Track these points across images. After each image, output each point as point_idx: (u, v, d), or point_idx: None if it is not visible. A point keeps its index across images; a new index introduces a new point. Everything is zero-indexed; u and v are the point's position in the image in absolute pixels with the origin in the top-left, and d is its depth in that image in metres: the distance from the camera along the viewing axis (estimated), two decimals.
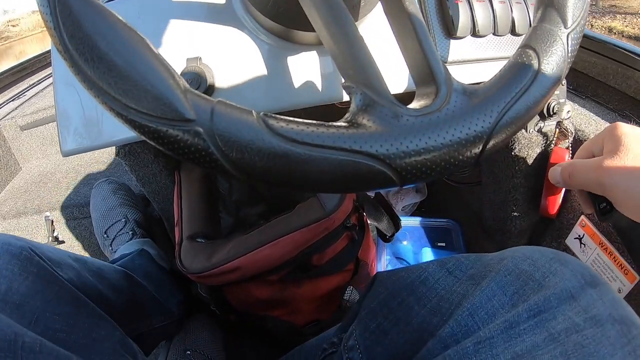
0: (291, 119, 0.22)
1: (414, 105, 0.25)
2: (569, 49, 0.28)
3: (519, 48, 0.28)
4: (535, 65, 0.26)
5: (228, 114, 0.21)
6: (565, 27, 0.28)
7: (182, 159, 0.21)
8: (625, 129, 0.37)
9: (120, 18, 0.22)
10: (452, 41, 0.43)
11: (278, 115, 0.22)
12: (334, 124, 0.22)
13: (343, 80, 0.25)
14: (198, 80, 0.39)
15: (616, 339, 0.24)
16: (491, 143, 0.24)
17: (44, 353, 0.30)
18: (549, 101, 0.49)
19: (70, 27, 0.20)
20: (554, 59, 0.27)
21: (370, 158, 0.21)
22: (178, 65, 0.41)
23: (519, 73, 0.26)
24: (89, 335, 0.39)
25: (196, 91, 0.22)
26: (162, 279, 0.65)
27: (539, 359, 0.24)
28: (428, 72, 0.26)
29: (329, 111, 0.52)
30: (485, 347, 0.26)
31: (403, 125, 0.22)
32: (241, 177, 0.21)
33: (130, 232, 0.74)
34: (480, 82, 0.27)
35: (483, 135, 0.24)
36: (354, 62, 0.24)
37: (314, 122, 0.22)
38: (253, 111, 0.22)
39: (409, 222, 0.85)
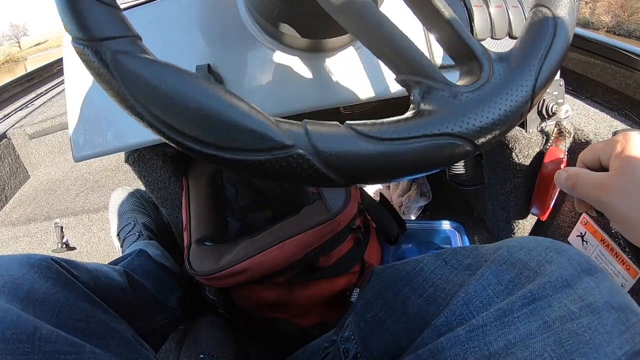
0: (369, 121, 0.24)
1: (463, 82, 0.27)
2: None
3: (530, 10, 0.29)
4: (551, 19, 0.28)
5: (320, 131, 0.22)
6: None
7: (289, 182, 0.23)
8: (636, 142, 0.36)
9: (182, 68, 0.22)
10: None
11: (358, 121, 0.24)
12: (406, 117, 0.24)
13: (381, 77, 0.26)
14: None
15: (613, 327, 0.24)
16: (536, 97, 0.27)
17: (60, 342, 0.32)
18: (547, 102, 0.50)
19: (135, 84, 0.21)
20: (566, 8, 0.28)
21: (451, 137, 0.24)
22: None
23: (540, 30, 0.28)
24: (107, 325, 0.41)
25: (282, 119, 0.23)
26: (161, 276, 0.67)
27: (532, 347, 0.24)
28: (466, 49, 0.27)
29: (333, 117, 0.53)
30: (477, 335, 0.27)
31: (465, 102, 0.24)
32: (346, 183, 0.23)
33: (137, 234, 0.79)
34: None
35: (529, 92, 0.26)
36: (400, 55, 0.26)
37: (387, 120, 0.24)
38: (337, 123, 0.24)
39: (414, 225, 0.85)
